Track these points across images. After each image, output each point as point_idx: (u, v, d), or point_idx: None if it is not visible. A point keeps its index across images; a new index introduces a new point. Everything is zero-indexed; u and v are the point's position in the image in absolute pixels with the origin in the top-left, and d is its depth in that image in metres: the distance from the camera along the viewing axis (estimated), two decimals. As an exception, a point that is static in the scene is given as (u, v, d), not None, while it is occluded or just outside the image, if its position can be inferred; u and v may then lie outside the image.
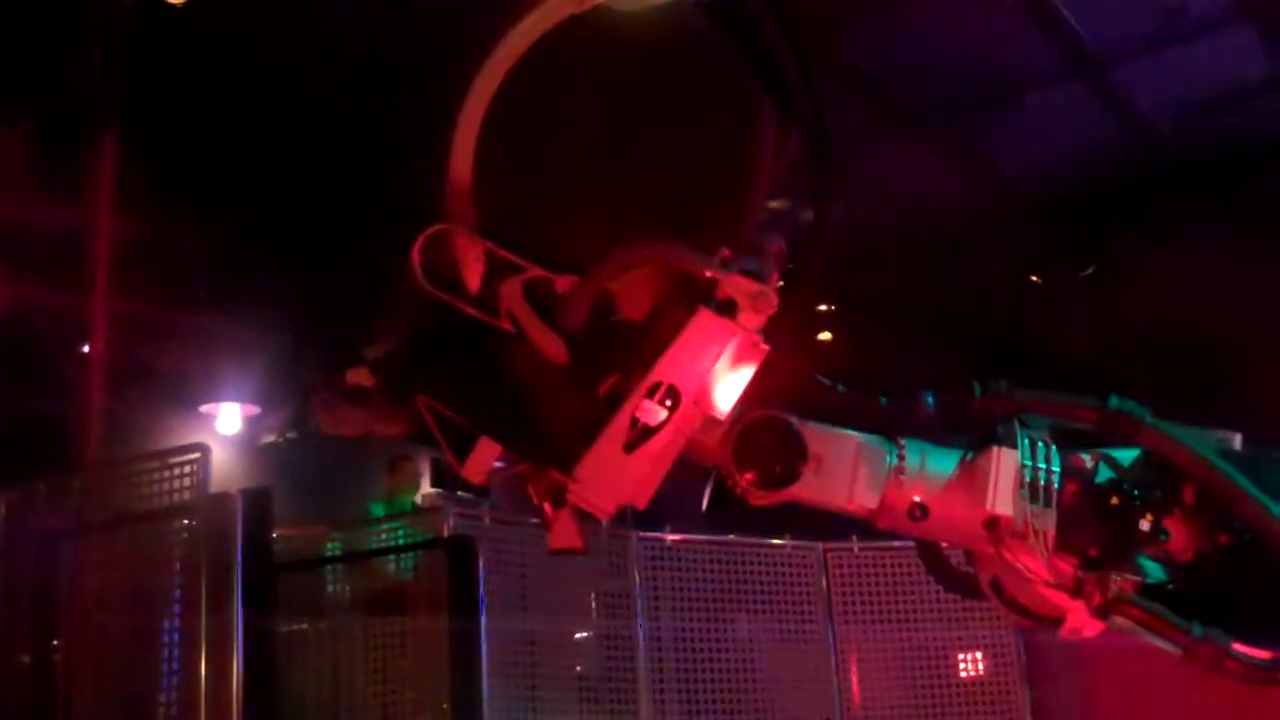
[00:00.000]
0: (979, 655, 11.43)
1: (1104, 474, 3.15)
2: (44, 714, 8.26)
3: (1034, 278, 17.08)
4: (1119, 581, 2.96)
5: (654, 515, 9.63)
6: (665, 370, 2.90)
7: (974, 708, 11.21)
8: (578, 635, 10.49)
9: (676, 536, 10.78)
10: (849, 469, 2.94)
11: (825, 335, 17.55)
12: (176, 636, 8.08)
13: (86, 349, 12.75)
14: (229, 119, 12.97)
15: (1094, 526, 2.97)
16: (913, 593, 11.02)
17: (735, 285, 2.94)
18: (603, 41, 3.06)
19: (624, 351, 2.92)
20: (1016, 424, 2.97)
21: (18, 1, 10.92)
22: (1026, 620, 3.38)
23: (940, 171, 15.05)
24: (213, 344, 13.07)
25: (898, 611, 11.11)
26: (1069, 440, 3.13)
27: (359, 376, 3.12)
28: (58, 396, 12.22)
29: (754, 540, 10.88)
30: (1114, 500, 3.02)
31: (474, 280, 3.00)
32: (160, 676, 8.07)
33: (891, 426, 3.17)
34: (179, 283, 13.02)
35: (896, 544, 10.25)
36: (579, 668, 10.39)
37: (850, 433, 3.04)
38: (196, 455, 8.31)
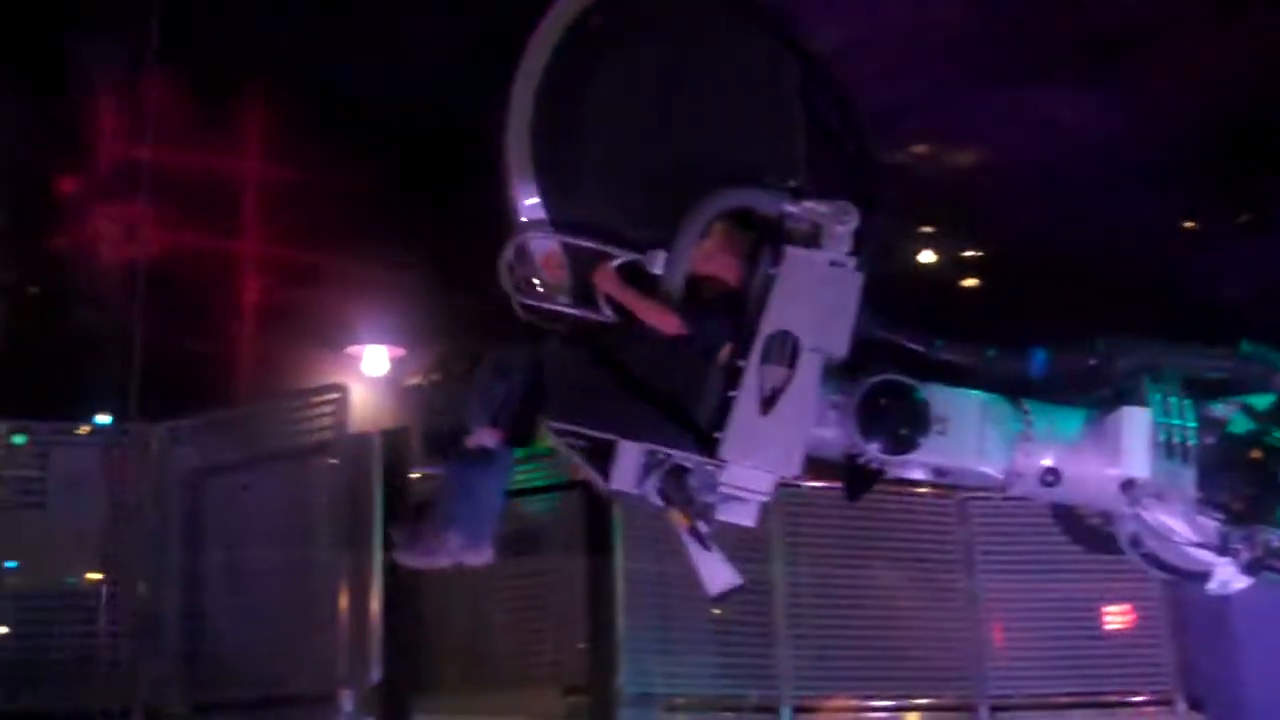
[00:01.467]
0: (1124, 609, 11.14)
1: (1242, 424, 3.03)
2: (192, 644, 8.54)
3: (1187, 223, 16.56)
4: (1268, 534, 2.87)
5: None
6: (775, 318, 2.88)
7: (1118, 663, 10.93)
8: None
9: (815, 483, 10.62)
10: (976, 428, 2.95)
11: (928, 256, 17.30)
12: (318, 572, 8.26)
13: (238, 291, 13.06)
14: (373, 64, 13.14)
15: (1236, 480, 2.89)
16: (1056, 543, 10.73)
17: (811, 210, 2.92)
18: (645, 20, 3.03)
19: (728, 318, 2.89)
20: (1146, 379, 2.89)
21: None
22: (1169, 575, 3.26)
23: (1096, 112, 14.64)
24: (360, 287, 13.27)
25: (1040, 562, 10.85)
26: (1203, 391, 3.02)
27: (484, 438, 3.15)
28: (210, 337, 12.55)
29: (892, 487, 10.67)
30: (1255, 453, 2.91)
31: (562, 279, 3.01)
32: (302, 611, 8.26)
33: (1009, 387, 3.10)
34: (328, 226, 13.25)
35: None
36: (716, 611, 10.36)
37: (972, 392, 2.99)
38: (337, 395, 8.46)
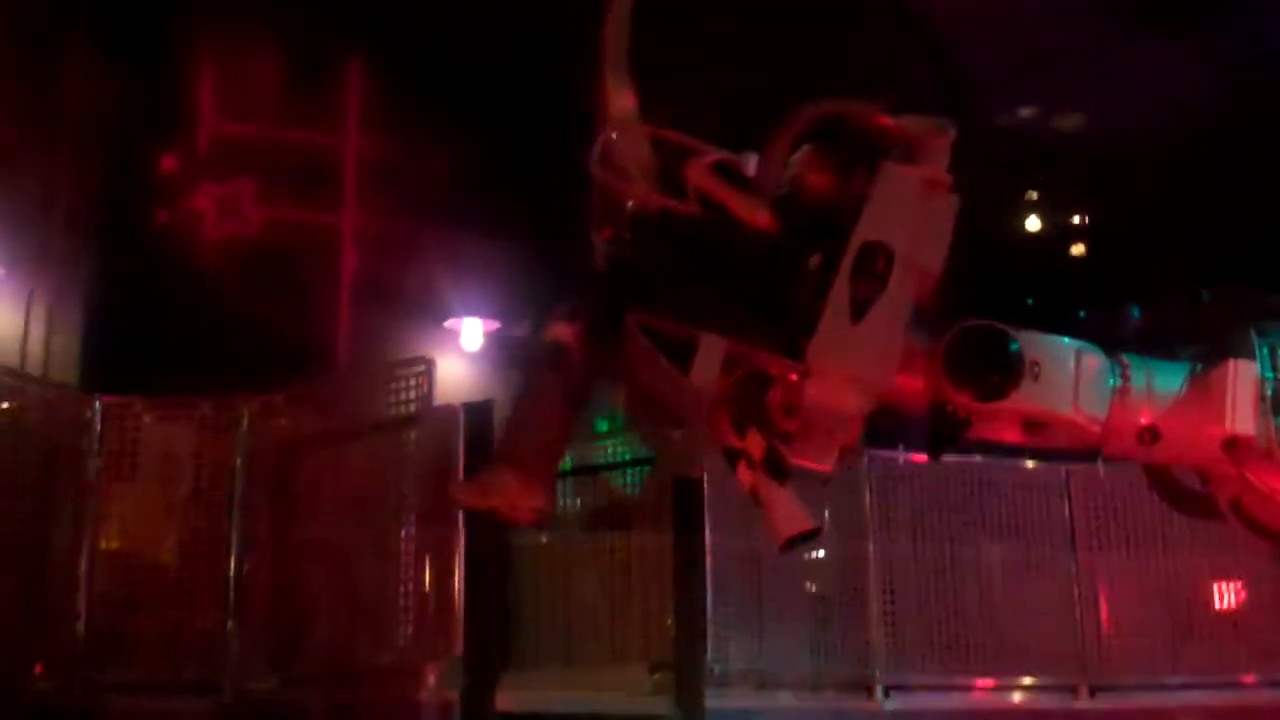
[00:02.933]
0: (1235, 585, 10.81)
1: None
2: (279, 618, 8.61)
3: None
4: None
5: (886, 434, 9.38)
6: (868, 229, 2.78)
7: (1229, 644, 10.61)
8: (807, 555, 10.31)
9: (909, 456, 10.45)
10: (1070, 373, 2.78)
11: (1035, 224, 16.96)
12: (405, 544, 8.27)
13: (337, 266, 13.17)
14: (471, 39, 13.14)
15: None
16: (1161, 518, 10.44)
17: (909, 123, 2.80)
18: None
19: (821, 228, 2.81)
20: (1251, 331, 2.75)
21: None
22: (1272, 541, 3.10)
23: (1199, 77, 14.18)
24: (457, 260, 13.30)
25: (1145, 537, 10.57)
26: None
27: (558, 331, 3.06)
28: (308, 312, 12.66)
29: (989, 461, 10.45)
30: None
31: (653, 169, 2.93)
32: (388, 582, 8.29)
33: (1105, 338, 2.97)
34: (426, 201, 13.29)
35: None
36: (812, 587, 10.23)
37: (1066, 339, 2.85)
38: (422, 368, 8.46)
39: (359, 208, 13.53)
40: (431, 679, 7.92)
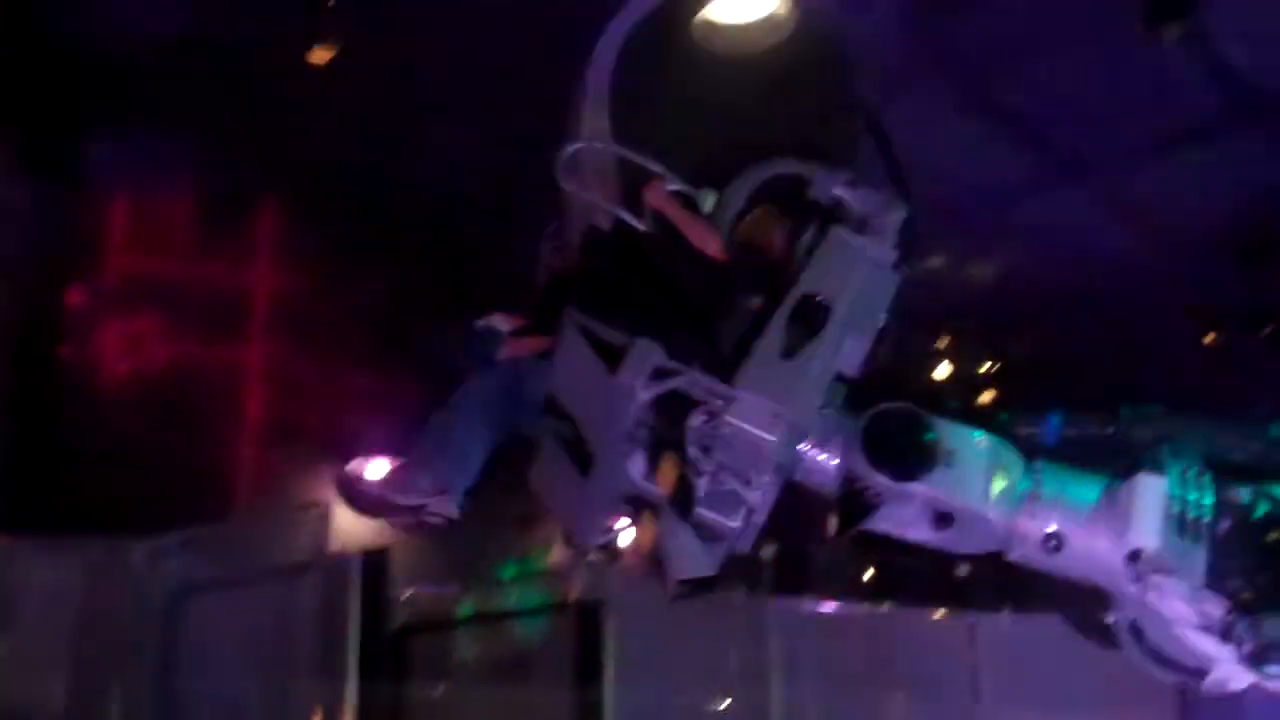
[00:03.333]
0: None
1: (1262, 509, 2.85)
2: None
3: (1208, 336, 16.28)
4: (1274, 625, 2.69)
5: (793, 580, 9.30)
6: (811, 282, 2.85)
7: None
8: (712, 706, 10.17)
9: (816, 603, 10.39)
10: (984, 469, 2.75)
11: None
12: (292, 698, 8.05)
13: (243, 404, 12.97)
14: (386, 179, 13.15)
15: (1249, 566, 2.72)
16: (1068, 673, 10.38)
17: (865, 197, 2.90)
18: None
19: (766, 275, 2.82)
20: (1166, 450, 2.74)
21: (181, 65, 11.18)
22: (1168, 671, 3.06)
23: (1108, 226, 14.47)
24: (365, 401, 13.15)
25: (1052, 694, 10.49)
26: (1225, 473, 2.86)
27: (502, 323, 3.03)
28: (210, 451, 12.42)
29: (896, 610, 10.41)
30: (1272, 536, 2.73)
31: (614, 190, 3.03)
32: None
33: (1023, 445, 2.97)
34: (335, 340, 13.17)
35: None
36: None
37: (983, 433, 2.87)
38: (318, 513, 8.31)
39: (267, 345, 13.37)
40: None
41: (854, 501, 3.00)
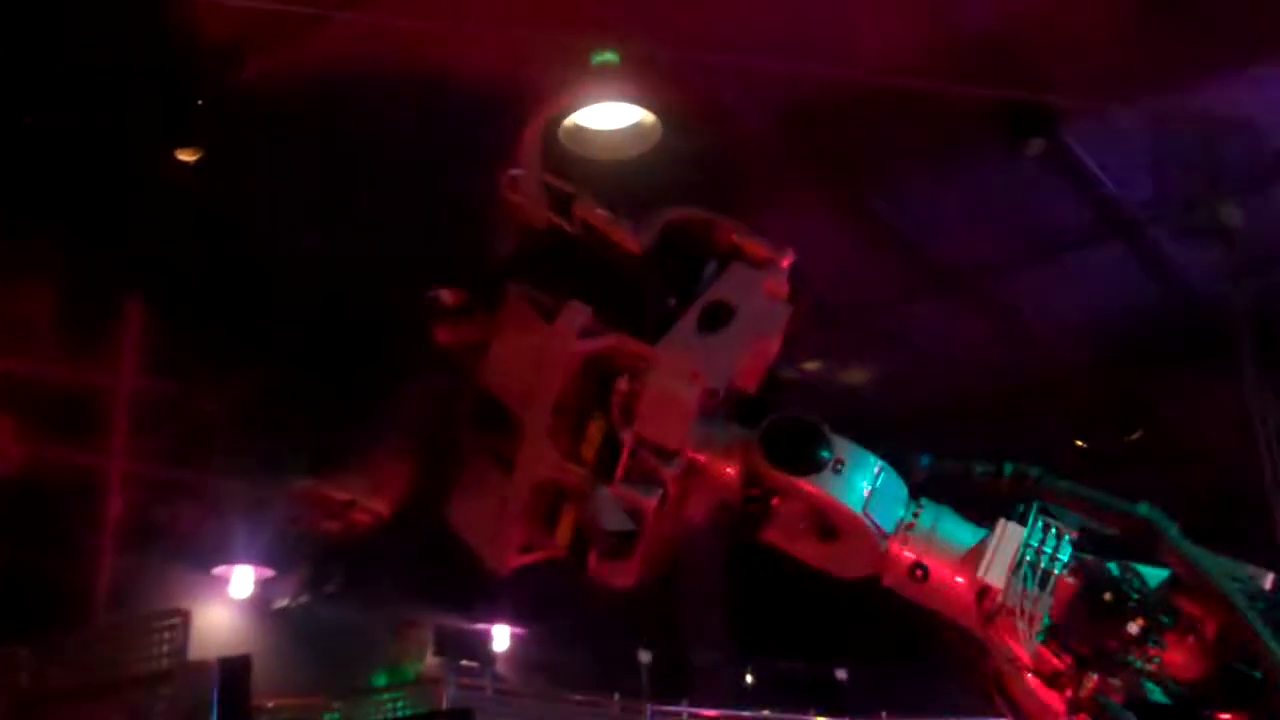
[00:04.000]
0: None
1: (1111, 576, 3.01)
2: None
3: (1079, 442, 16.58)
4: (1099, 683, 2.91)
5: (672, 685, 9.18)
6: (720, 290, 3.16)
7: None
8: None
9: (693, 710, 10.27)
10: (870, 480, 3.07)
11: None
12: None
13: (99, 508, 12.58)
14: (241, 276, 12.97)
15: (1085, 623, 2.92)
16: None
17: (759, 241, 3.29)
18: None
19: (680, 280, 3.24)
20: (1037, 509, 3.03)
21: (42, 162, 10.95)
22: None
23: (980, 333, 14.72)
24: (228, 506, 12.84)
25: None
26: (1106, 551, 3.05)
27: (448, 296, 3.35)
28: (67, 557, 12.01)
29: (774, 715, 10.33)
30: (1107, 596, 2.94)
31: (545, 207, 3.31)
32: None
33: (908, 480, 3.22)
34: (198, 445, 12.88)
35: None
36: None
37: (872, 455, 3.17)
38: (176, 620, 7.99)
39: (128, 450, 13.01)
40: None
41: (751, 504, 3.16)
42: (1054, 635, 3.05)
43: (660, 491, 3.19)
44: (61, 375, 12.78)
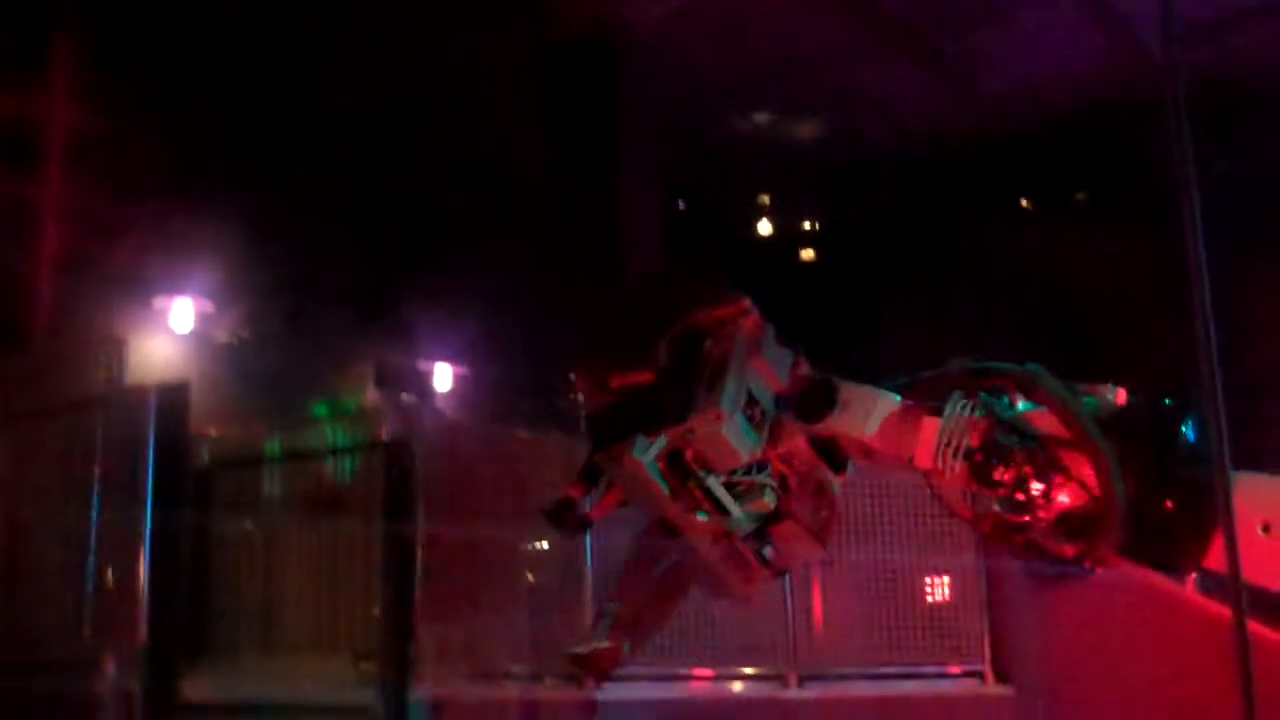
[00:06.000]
0: (940, 580, 11.13)
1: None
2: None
3: (1024, 201, 16.69)
4: (1002, 514, 3.95)
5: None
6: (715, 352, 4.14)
7: (931, 635, 10.90)
8: (527, 546, 10.20)
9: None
10: (866, 409, 4.04)
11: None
12: (88, 530, 7.85)
13: (36, 236, 12.49)
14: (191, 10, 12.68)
15: (985, 476, 3.91)
16: (873, 515, 10.68)
17: (722, 310, 4.19)
18: None
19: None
20: (956, 397, 3.98)
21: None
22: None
23: (929, 89, 14.64)
24: (169, 239, 12.75)
25: (858, 533, 10.77)
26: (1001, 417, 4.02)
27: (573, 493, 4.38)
28: (3, 287, 11.98)
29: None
30: (996, 449, 3.90)
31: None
32: (69, 569, 7.85)
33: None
34: (138, 176, 12.75)
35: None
36: (530, 578, 10.12)
37: (869, 389, 4.12)
38: (112, 347, 8.04)
39: (64, 181, 12.85)
40: (110, 668, 7.51)
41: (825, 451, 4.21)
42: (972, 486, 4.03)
43: (772, 490, 4.18)
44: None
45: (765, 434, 4.23)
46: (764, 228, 18.47)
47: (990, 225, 16.12)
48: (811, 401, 4.19)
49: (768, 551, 4.34)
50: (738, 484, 4.21)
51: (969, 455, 3.98)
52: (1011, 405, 4.12)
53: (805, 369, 4.29)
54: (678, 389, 4.21)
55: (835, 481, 4.49)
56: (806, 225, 18.53)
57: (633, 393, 4.30)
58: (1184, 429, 4.55)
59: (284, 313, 12.90)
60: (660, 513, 4.38)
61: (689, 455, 4.14)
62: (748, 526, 4.25)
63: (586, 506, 4.51)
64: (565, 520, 4.43)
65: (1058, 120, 14.99)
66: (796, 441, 4.29)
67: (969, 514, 4.12)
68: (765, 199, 18.30)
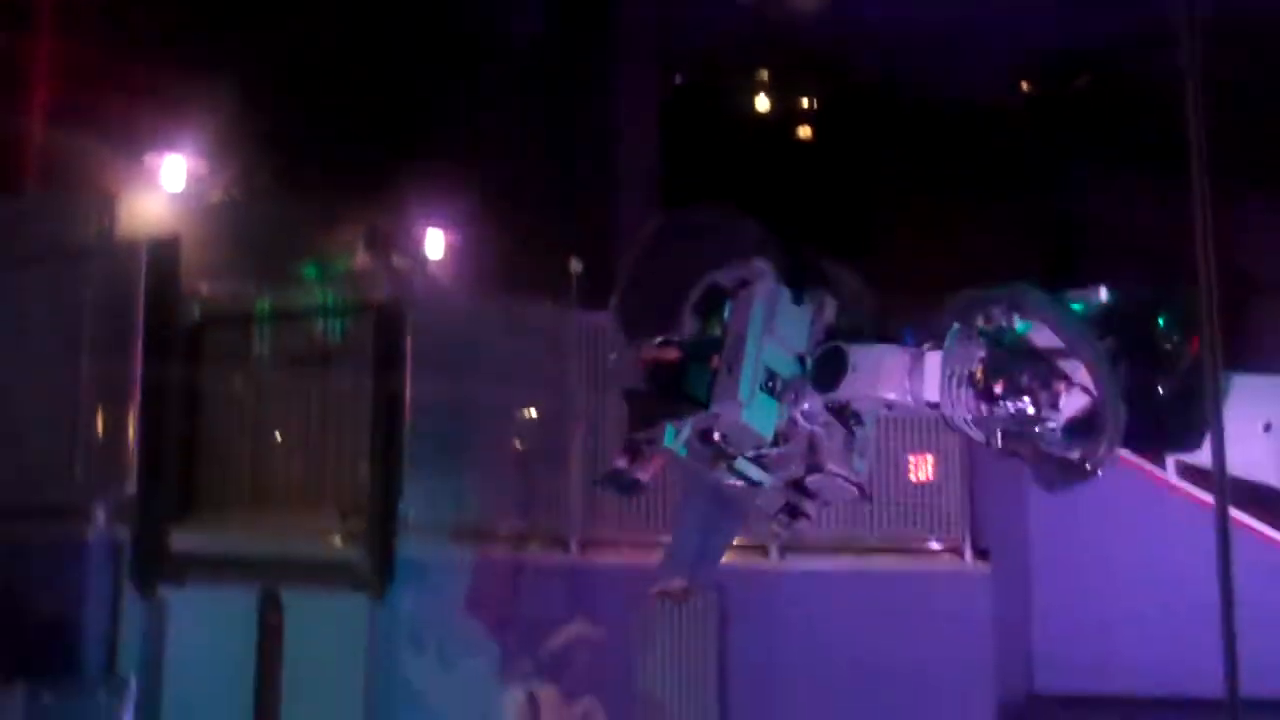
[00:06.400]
0: (921, 458, 11.22)
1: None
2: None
3: (1024, 84, 16.52)
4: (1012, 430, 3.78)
5: (602, 295, 9.29)
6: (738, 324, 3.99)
7: (912, 511, 11.03)
8: (516, 410, 10.24)
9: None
10: (875, 367, 4.00)
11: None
12: (78, 380, 7.87)
13: (28, 87, 12.35)
14: None
15: (990, 394, 3.84)
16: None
17: (738, 273, 4.01)
18: None
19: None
20: (956, 331, 3.88)
21: None
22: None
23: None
24: (164, 95, 12.59)
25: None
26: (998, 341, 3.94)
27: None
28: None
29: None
30: (981, 377, 3.88)
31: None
32: (60, 418, 7.89)
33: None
34: (131, 32, 12.60)
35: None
36: (518, 442, 10.17)
37: (877, 346, 4.03)
38: (103, 200, 8.00)
39: (57, 35, 12.67)
40: (100, 517, 7.58)
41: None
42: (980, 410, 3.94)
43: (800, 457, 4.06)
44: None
45: (789, 398, 4.18)
46: (761, 104, 18.31)
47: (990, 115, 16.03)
48: (824, 370, 4.17)
49: (807, 505, 4.58)
50: (766, 455, 4.18)
51: (973, 381, 4.01)
52: (1009, 327, 4.10)
53: (829, 312, 4.22)
54: (699, 372, 4.11)
55: (864, 433, 4.59)
56: (805, 102, 18.38)
57: (662, 373, 4.19)
58: (1167, 318, 4.66)
59: (276, 173, 12.81)
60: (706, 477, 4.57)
61: (715, 436, 4.06)
62: (781, 493, 4.16)
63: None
64: (618, 486, 4.67)
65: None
66: (815, 401, 4.28)
67: (981, 436, 4.34)
68: (764, 74, 18.12)
